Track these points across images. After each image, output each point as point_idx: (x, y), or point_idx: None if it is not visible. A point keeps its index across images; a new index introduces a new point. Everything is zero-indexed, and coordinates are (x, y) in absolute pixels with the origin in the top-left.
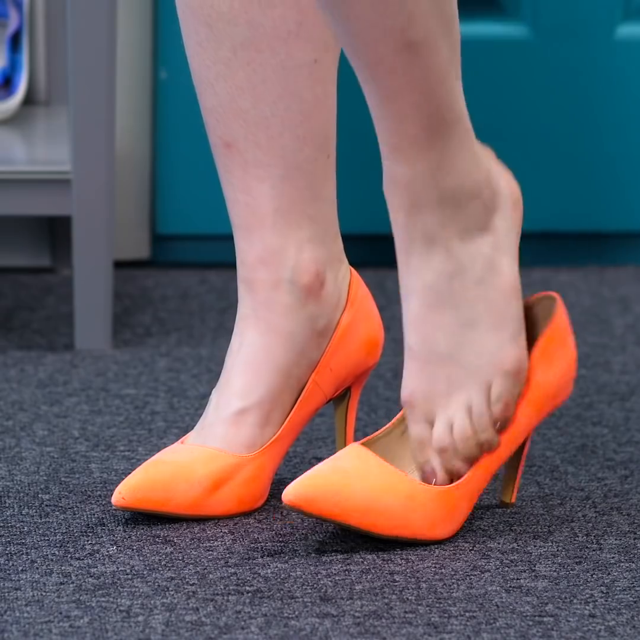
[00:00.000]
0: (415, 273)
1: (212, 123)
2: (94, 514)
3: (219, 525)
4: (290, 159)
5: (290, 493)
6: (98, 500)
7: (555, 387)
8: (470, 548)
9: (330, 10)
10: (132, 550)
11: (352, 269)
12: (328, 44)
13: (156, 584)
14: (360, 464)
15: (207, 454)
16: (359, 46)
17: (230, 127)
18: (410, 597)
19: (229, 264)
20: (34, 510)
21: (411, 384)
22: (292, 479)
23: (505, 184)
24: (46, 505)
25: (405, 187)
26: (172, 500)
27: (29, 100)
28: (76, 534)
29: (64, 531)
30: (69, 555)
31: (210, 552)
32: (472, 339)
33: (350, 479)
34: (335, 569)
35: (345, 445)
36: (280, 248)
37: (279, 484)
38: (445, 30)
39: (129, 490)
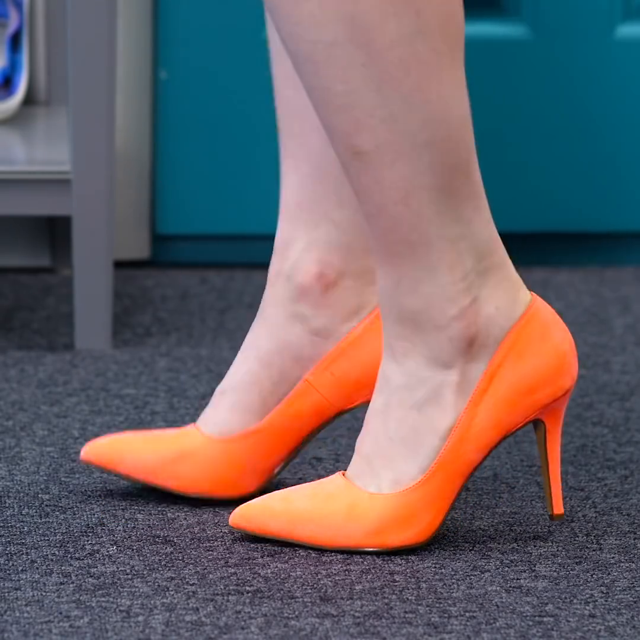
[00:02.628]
0: None
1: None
2: (94, 514)
3: (219, 525)
4: (316, 159)
5: (234, 514)
6: (98, 500)
7: (530, 382)
8: (470, 548)
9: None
10: (132, 550)
11: None
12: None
13: (156, 584)
14: (317, 483)
15: (182, 430)
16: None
17: (280, 109)
18: (410, 597)
19: (229, 264)
20: (34, 510)
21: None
22: (292, 479)
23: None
24: (46, 505)
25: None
26: (127, 462)
27: (29, 100)
28: (76, 534)
29: (64, 531)
30: (69, 555)
31: (210, 552)
32: (387, 453)
33: (294, 495)
34: (335, 569)
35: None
36: (289, 241)
37: (279, 485)
38: (406, 146)
39: (92, 446)
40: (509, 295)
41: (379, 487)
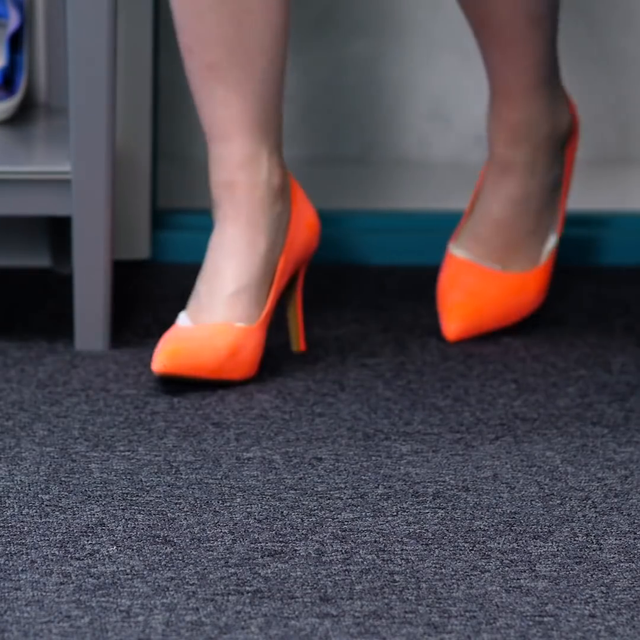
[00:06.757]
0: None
1: (197, 49)
2: (94, 514)
3: (219, 525)
4: (262, 77)
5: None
6: (98, 500)
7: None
8: (470, 548)
9: None
10: (132, 550)
11: None
12: None
13: (156, 584)
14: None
15: (222, 328)
16: (493, 22)
17: (214, 52)
18: (410, 597)
19: None
20: (34, 510)
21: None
22: (292, 479)
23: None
24: (46, 505)
25: (510, 126)
26: (201, 367)
27: (29, 100)
28: (76, 534)
29: (64, 531)
30: (69, 555)
31: (210, 552)
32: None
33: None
34: (335, 569)
35: (298, 336)
36: (256, 154)
37: (278, 480)
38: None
39: (168, 358)
40: None
41: None
